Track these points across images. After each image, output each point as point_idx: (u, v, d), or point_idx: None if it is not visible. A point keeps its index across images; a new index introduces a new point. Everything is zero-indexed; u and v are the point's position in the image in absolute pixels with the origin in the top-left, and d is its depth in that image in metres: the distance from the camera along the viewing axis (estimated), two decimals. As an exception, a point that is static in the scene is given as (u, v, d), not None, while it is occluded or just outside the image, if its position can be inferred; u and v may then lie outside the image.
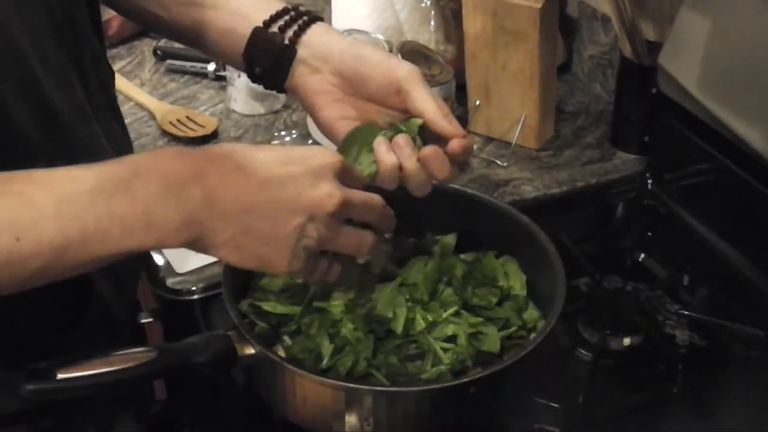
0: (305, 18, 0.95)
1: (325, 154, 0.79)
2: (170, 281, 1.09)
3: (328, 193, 0.76)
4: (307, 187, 0.76)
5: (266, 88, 0.98)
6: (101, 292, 0.90)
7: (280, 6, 0.95)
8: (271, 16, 0.94)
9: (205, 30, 0.97)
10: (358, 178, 0.83)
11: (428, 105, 0.89)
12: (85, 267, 0.72)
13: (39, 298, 0.74)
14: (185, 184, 0.72)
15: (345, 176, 0.79)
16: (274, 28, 0.94)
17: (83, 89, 0.88)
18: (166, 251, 1.11)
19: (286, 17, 0.94)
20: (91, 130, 0.89)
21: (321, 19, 0.96)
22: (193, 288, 1.09)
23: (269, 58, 0.94)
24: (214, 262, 1.08)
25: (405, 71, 0.89)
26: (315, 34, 0.94)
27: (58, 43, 0.83)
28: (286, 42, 0.93)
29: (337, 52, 0.92)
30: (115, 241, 0.70)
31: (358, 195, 0.80)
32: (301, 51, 0.93)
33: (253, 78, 0.98)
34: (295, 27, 0.94)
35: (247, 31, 0.95)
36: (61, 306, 0.86)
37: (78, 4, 0.88)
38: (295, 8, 0.96)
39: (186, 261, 1.10)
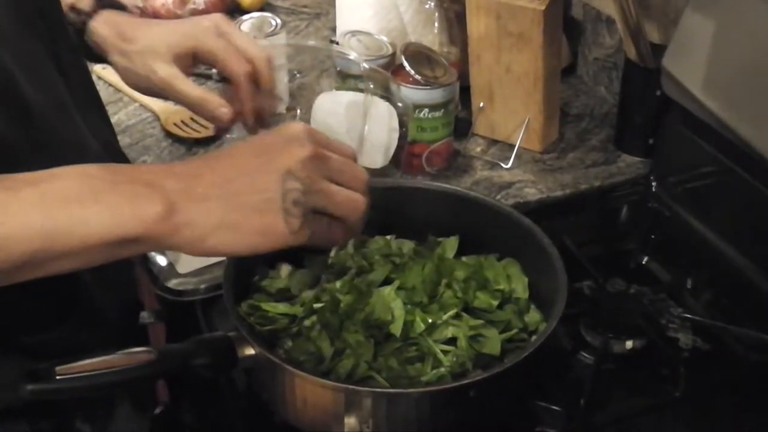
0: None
1: (296, 124, 0.80)
2: (172, 282, 1.09)
3: (299, 146, 0.77)
4: (280, 150, 0.77)
5: None
6: (88, 291, 0.90)
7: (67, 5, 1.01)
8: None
9: None
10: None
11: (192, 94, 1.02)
12: (77, 259, 0.71)
13: (24, 294, 0.74)
14: (164, 179, 0.73)
15: (319, 141, 0.80)
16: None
17: (63, 83, 0.88)
18: (168, 252, 1.11)
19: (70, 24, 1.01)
20: (74, 124, 0.89)
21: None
22: (195, 289, 1.09)
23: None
24: (216, 263, 1.08)
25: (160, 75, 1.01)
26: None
27: (31, 37, 0.83)
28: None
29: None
30: (104, 228, 0.70)
31: (333, 153, 0.80)
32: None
33: None
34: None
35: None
36: (46, 303, 0.86)
37: None
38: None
39: (188, 262, 1.10)
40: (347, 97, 1.24)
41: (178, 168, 0.75)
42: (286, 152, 0.76)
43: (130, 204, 0.70)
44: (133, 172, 0.75)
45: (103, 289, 0.93)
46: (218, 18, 1.03)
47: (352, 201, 0.81)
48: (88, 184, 0.70)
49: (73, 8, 1.03)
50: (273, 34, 1.40)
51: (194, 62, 1.03)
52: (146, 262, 1.13)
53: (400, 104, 1.22)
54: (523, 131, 1.35)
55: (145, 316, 1.11)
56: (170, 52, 1.00)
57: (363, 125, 1.21)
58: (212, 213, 0.73)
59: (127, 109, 1.46)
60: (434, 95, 1.24)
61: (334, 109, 1.22)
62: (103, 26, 1.03)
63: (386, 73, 1.24)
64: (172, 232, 0.72)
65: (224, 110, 1.01)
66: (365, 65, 1.25)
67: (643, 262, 1.18)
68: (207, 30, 1.01)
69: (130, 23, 1.04)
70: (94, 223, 0.69)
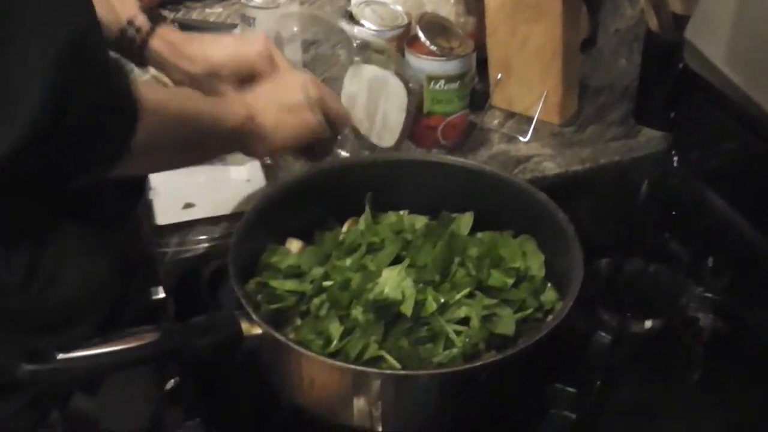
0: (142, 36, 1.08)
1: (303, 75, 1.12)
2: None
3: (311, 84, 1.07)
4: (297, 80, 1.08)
5: None
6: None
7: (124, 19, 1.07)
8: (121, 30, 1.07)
9: None
10: None
11: None
12: (214, 142, 1.00)
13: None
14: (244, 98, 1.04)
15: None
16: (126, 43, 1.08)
17: None
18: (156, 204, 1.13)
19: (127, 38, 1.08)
20: None
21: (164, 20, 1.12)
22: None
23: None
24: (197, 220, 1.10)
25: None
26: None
27: None
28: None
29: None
30: (222, 118, 0.98)
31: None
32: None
33: None
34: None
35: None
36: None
37: None
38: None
39: (166, 213, 1.12)
40: (370, 72, 1.21)
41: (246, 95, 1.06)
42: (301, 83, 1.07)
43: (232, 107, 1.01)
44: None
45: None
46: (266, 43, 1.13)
47: (342, 115, 1.11)
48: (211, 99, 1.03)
49: (131, 23, 1.07)
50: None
51: None
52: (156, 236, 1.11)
53: (411, 85, 1.19)
54: (541, 104, 1.31)
55: (153, 292, 1.10)
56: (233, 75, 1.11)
57: (378, 102, 1.18)
58: (270, 115, 1.02)
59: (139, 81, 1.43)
60: (449, 67, 1.21)
61: (358, 84, 1.20)
62: (161, 45, 1.09)
63: (394, 51, 1.21)
64: (253, 129, 1.00)
65: None
66: (380, 40, 1.22)
67: (663, 240, 1.15)
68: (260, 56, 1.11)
69: (184, 41, 1.11)
70: (219, 114, 0.98)
